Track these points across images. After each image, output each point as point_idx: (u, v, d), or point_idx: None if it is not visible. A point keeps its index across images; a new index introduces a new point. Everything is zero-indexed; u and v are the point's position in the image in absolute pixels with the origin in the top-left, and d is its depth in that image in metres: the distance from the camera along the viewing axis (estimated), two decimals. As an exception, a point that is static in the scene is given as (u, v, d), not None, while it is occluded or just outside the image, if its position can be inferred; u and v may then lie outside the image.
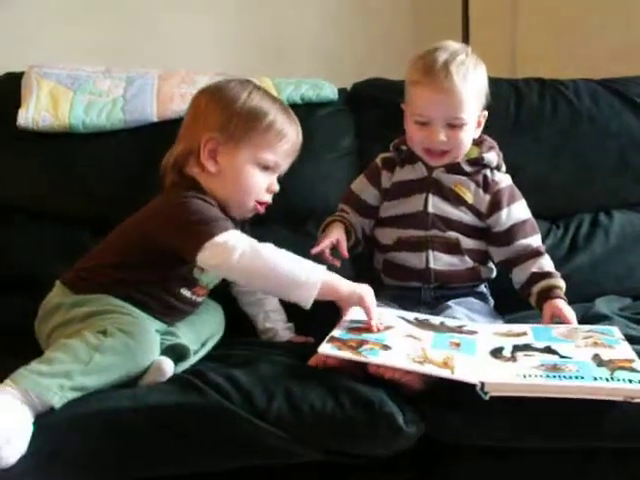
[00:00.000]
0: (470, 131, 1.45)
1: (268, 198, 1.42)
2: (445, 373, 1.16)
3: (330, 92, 1.76)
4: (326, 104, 1.76)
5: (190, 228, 1.26)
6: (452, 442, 1.21)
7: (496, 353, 1.24)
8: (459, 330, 1.33)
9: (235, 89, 1.39)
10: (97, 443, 1.13)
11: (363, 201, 1.54)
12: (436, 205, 1.48)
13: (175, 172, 1.38)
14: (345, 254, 1.43)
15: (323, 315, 1.28)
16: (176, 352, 1.29)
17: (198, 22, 2.09)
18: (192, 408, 1.15)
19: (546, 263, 1.46)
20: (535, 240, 1.48)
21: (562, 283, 1.43)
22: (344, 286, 1.27)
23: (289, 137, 1.40)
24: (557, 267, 1.49)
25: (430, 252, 1.47)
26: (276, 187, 1.42)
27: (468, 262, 1.49)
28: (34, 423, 1.09)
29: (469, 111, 1.42)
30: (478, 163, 1.49)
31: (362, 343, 1.22)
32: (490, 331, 1.34)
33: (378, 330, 1.27)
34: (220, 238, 1.24)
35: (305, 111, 1.70)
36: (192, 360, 1.31)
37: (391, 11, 2.20)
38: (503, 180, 1.50)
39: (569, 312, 1.39)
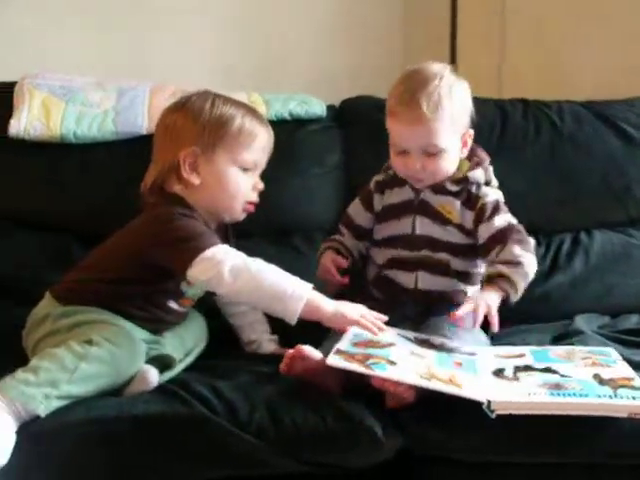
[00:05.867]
0: (451, 156, 1.43)
1: (255, 197, 1.44)
2: (454, 390, 1.17)
3: (319, 108, 1.78)
4: (314, 120, 1.77)
5: (178, 245, 1.28)
6: (431, 455, 1.23)
7: (498, 373, 1.25)
8: (459, 350, 1.34)
9: (198, 101, 1.41)
10: (82, 452, 1.14)
11: (358, 225, 1.55)
12: (424, 227, 1.47)
13: (156, 192, 1.39)
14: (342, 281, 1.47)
15: (307, 328, 1.29)
16: (161, 362, 1.30)
17: (191, 36, 2.11)
18: (176, 418, 1.17)
19: (510, 251, 1.38)
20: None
21: (513, 275, 1.36)
22: (328, 306, 1.28)
23: (261, 135, 1.43)
24: (538, 285, 1.50)
25: (419, 273, 1.47)
26: (261, 185, 1.44)
27: (457, 284, 1.48)
28: (18, 432, 1.10)
29: (445, 137, 1.40)
30: (463, 181, 1.47)
31: (368, 357, 1.23)
32: (490, 353, 1.35)
33: (380, 330, 1.29)
34: (208, 253, 1.26)
35: (293, 127, 1.73)
36: (177, 369, 1.32)
37: (381, 30, 2.22)
38: (489, 194, 1.46)
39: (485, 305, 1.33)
